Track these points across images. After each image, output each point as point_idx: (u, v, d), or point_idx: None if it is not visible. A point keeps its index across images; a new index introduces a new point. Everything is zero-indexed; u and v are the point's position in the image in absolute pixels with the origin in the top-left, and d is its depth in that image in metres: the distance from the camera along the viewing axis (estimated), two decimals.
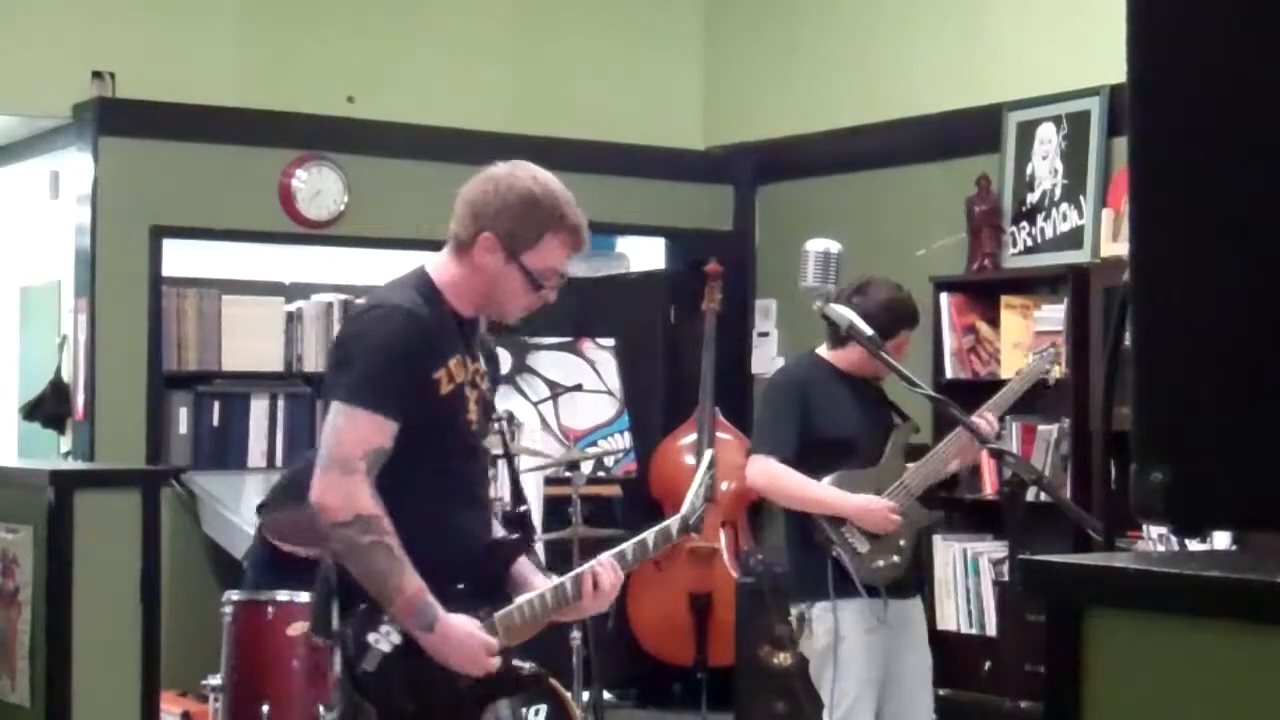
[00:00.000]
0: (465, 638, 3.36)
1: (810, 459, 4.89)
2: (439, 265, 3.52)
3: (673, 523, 3.73)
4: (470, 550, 3.47)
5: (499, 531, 3.62)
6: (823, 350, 5.07)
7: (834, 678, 4.85)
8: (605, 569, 3.54)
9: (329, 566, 3.39)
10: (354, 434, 3.31)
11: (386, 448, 3.32)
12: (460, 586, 3.40)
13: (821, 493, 4.89)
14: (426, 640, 3.33)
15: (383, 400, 3.32)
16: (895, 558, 4.95)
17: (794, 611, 5.03)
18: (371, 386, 3.32)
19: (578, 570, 3.55)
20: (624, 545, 3.66)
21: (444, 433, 3.42)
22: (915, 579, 5.16)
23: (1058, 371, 5.48)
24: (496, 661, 3.39)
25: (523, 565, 3.58)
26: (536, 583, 3.54)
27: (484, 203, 3.49)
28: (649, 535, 3.70)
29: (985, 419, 4.93)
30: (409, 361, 3.35)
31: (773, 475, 4.89)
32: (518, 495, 3.70)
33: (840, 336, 4.84)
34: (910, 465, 5.04)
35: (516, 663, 3.50)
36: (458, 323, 3.47)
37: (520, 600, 3.47)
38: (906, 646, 5.00)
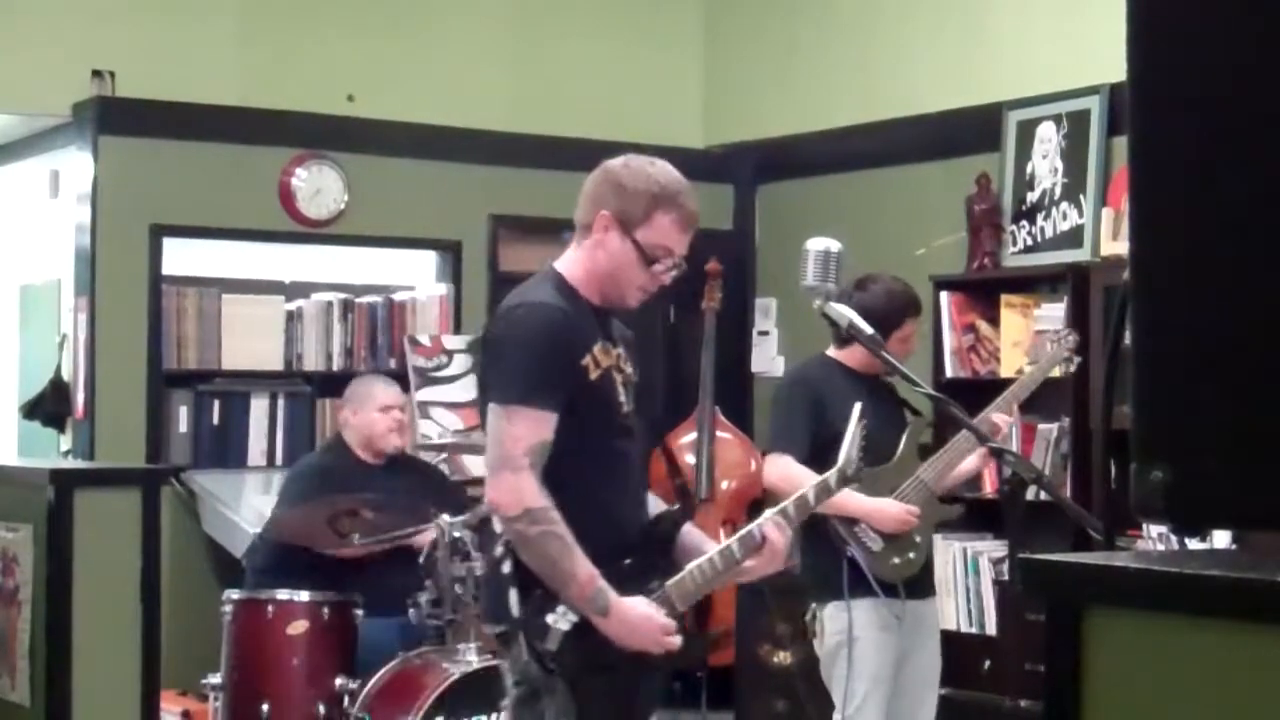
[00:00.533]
0: (642, 620, 3.47)
1: (824, 458, 4.89)
2: (567, 261, 3.65)
3: (830, 476, 3.83)
4: (635, 526, 3.59)
5: (657, 506, 3.74)
6: (831, 350, 5.09)
7: (847, 676, 4.86)
8: (771, 527, 3.63)
9: (498, 558, 3.50)
10: (514, 432, 3.42)
11: (548, 439, 3.43)
12: (628, 562, 3.52)
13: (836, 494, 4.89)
14: (603, 625, 3.44)
15: (538, 394, 3.43)
16: (911, 554, 4.97)
17: (807, 611, 5.04)
18: (525, 382, 3.44)
19: (743, 530, 3.65)
20: (785, 502, 3.76)
21: (599, 416, 3.53)
22: (931, 578, 5.17)
23: (1069, 366, 5.45)
24: (677, 640, 3.49)
25: (690, 533, 3.70)
26: (706, 548, 3.65)
27: (599, 184, 3.64)
28: (809, 490, 3.80)
29: (1000, 418, 4.94)
30: (558, 351, 3.47)
31: (788, 476, 4.88)
32: (672, 467, 3.78)
33: (844, 336, 4.85)
34: (925, 461, 5.05)
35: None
36: (593, 311, 3.59)
37: (690, 566, 3.56)
38: (917, 646, 5.01)
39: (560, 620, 3.44)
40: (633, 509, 3.61)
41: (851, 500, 4.88)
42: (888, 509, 4.90)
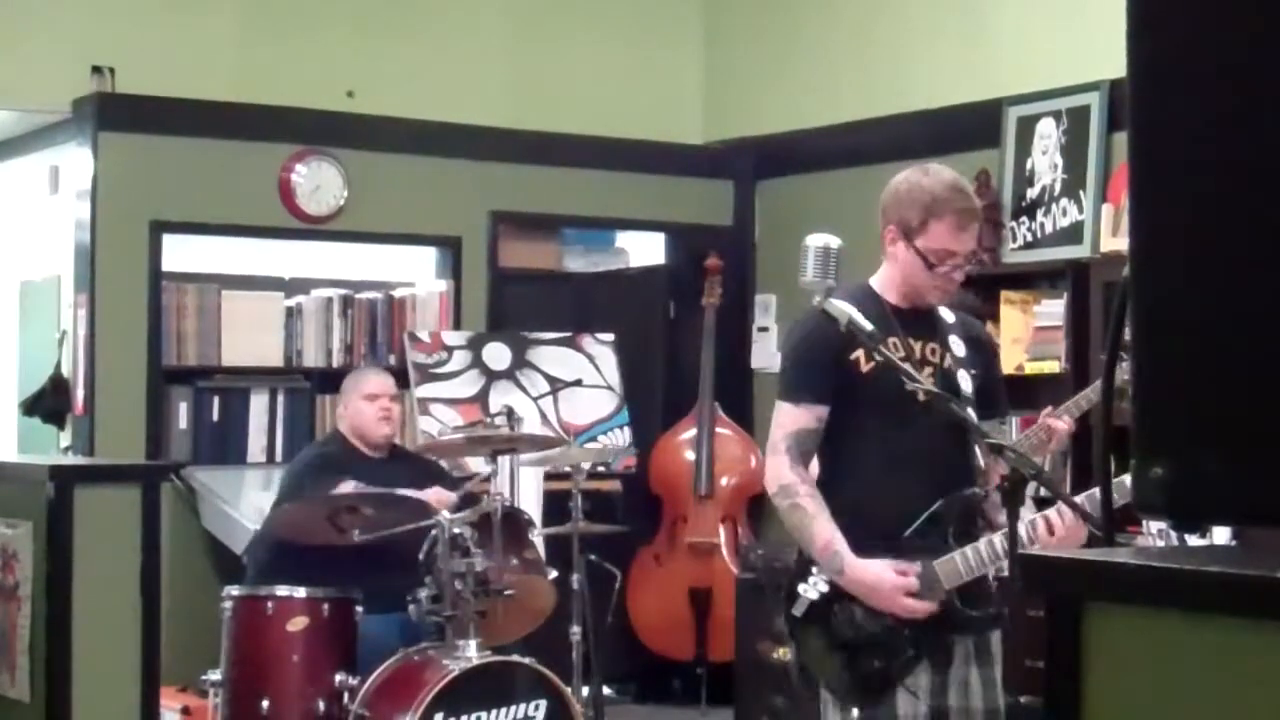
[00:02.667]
0: (874, 580, 3.77)
1: None
2: (880, 270, 4.03)
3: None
4: (919, 503, 3.82)
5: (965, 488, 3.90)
6: None
7: None
8: (1058, 518, 3.81)
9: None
10: (777, 421, 3.90)
11: (808, 428, 3.86)
12: (906, 536, 3.80)
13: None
14: (844, 583, 3.79)
15: (796, 391, 3.90)
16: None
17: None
18: (787, 382, 3.94)
19: (1027, 520, 3.79)
20: (1080, 497, 3.85)
21: (874, 404, 3.85)
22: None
23: None
24: (916, 604, 3.75)
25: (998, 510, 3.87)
26: (1002, 524, 3.81)
27: (884, 200, 4.01)
28: (1085, 496, 3.88)
29: (1065, 420, 4.95)
30: (819, 351, 3.87)
31: None
32: (967, 455, 3.91)
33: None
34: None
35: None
36: (893, 311, 3.93)
37: (956, 552, 3.78)
38: None
39: (810, 590, 3.81)
40: (918, 487, 3.84)
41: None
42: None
